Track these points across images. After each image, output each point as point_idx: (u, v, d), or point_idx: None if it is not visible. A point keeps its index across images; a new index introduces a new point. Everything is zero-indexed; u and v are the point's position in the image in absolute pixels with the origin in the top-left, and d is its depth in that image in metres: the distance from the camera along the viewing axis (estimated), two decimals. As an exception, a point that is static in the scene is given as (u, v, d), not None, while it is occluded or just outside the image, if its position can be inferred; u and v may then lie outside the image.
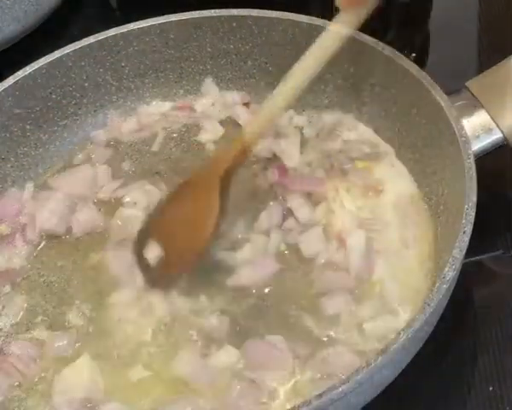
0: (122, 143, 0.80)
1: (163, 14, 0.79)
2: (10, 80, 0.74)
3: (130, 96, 0.82)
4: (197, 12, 0.78)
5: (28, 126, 0.77)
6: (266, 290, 0.65)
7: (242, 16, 0.78)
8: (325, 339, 0.61)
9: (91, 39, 0.78)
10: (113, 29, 0.78)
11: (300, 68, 0.65)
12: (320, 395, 0.49)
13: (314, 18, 0.75)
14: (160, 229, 0.68)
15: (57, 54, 0.77)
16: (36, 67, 0.76)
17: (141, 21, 0.79)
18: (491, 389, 0.56)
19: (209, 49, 0.80)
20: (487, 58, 0.89)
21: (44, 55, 0.77)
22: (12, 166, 0.77)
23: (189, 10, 0.79)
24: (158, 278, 0.66)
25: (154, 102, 0.82)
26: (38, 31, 0.97)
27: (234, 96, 0.81)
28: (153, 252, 0.66)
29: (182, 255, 0.66)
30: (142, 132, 0.81)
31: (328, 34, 0.65)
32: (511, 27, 0.86)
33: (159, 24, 0.78)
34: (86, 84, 0.79)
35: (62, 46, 0.78)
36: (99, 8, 1.06)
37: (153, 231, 0.68)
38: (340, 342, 0.60)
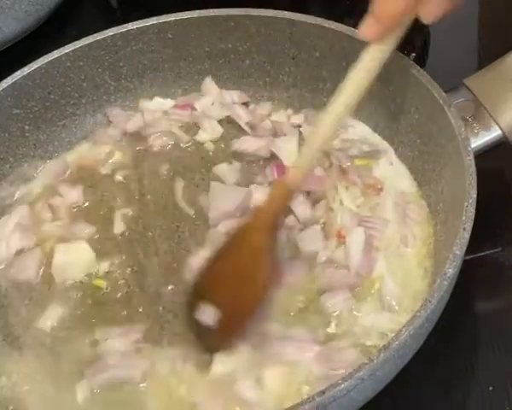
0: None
1: (162, 14, 0.79)
2: (8, 80, 0.74)
3: (128, 95, 0.82)
4: (196, 11, 0.78)
5: (27, 127, 0.77)
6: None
7: (240, 15, 0.77)
8: (327, 335, 0.61)
9: (90, 39, 0.78)
10: (112, 29, 0.78)
11: (338, 103, 0.61)
12: (323, 392, 0.49)
13: (311, 16, 0.75)
14: (212, 288, 0.63)
15: (56, 54, 0.77)
16: (34, 67, 0.76)
17: (139, 21, 0.79)
18: (491, 389, 0.55)
19: (207, 49, 0.80)
20: (487, 58, 0.89)
21: (44, 55, 0.77)
22: (11, 167, 0.77)
23: (187, 10, 0.80)
24: (217, 341, 0.62)
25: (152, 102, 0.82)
26: (38, 31, 0.97)
27: (233, 96, 0.81)
28: (207, 314, 0.61)
29: (239, 314, 0.62)
30: (142, 131, 0.80)
31: (363, 62, 0.60)
32: (511, 27, 0.86)
33: (157, 24, 0.78)
34: (85, 84, 0.79)
35: (62, 46, 0.78)
36: (99, 8, 1.06)
37: (204, 292, 0.63)
38: (342, 339, 0.60)
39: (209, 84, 0.82)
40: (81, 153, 0.80)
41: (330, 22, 0.73)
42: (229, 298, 0.62)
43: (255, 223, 0.63)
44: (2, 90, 0.74)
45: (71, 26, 1.01)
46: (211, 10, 0.78)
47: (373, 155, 0.73)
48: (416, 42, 0.73)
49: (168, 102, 0.82)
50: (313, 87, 0.78)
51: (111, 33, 0.78)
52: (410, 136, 0.71)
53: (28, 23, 0.95)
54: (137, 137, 0.80)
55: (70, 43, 0.78)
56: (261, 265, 0.62)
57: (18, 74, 0.75)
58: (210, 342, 0.62)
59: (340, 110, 0.61)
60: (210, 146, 0.78)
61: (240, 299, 0.62)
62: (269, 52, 0.79)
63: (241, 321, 0.62)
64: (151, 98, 0.82)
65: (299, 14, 0.76)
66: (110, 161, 0.78)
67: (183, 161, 0.78)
